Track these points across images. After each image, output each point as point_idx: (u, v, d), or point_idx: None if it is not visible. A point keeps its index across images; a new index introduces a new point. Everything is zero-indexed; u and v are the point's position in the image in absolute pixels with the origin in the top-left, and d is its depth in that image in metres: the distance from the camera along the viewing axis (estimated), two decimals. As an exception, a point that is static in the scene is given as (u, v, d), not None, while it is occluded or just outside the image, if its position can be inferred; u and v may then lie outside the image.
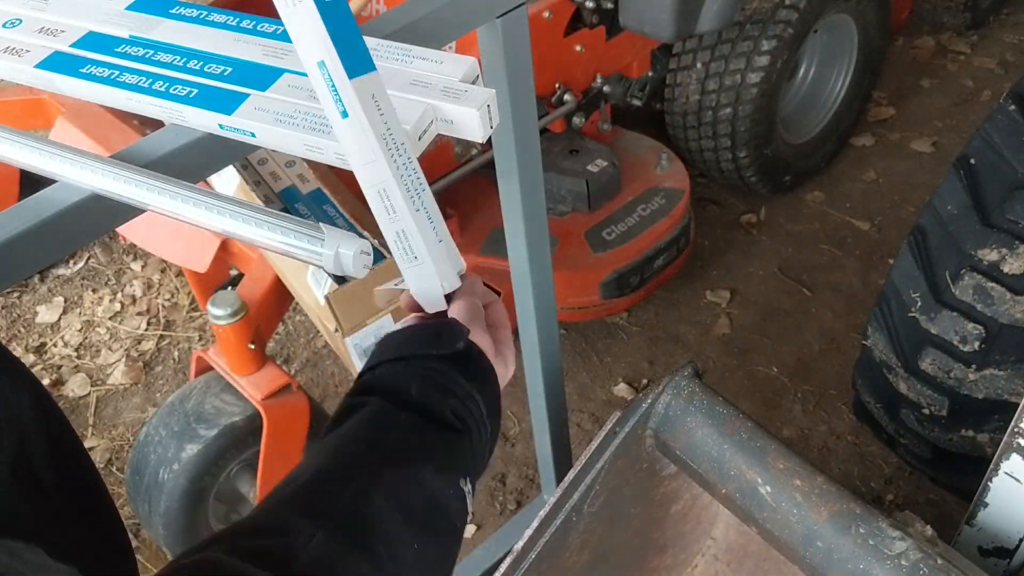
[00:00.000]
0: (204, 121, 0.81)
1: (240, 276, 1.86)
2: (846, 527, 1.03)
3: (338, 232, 0.71)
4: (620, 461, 1.18)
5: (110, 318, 2.48)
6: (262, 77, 0.81)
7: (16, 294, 2.57)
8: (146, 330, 2.45)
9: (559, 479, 1.42)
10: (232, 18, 0.88)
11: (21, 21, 0.91)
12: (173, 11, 0.90)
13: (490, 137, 1.23)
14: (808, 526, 1.05)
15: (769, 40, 2.24)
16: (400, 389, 0.67)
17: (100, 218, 0.81)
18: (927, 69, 3.15)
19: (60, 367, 2.37)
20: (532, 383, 1.49)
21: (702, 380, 1.19)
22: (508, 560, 1.13)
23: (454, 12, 1.00)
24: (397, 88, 0.79)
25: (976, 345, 1.43)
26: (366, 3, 2.05)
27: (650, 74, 2.38)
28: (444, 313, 0.75)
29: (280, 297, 1.76)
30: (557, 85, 2.14)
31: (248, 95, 0.80)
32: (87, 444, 2.18)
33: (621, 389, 2.21)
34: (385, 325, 1.66)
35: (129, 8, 0.91)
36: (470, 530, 1.97)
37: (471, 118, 0.77)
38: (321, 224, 0.72)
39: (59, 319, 2.50)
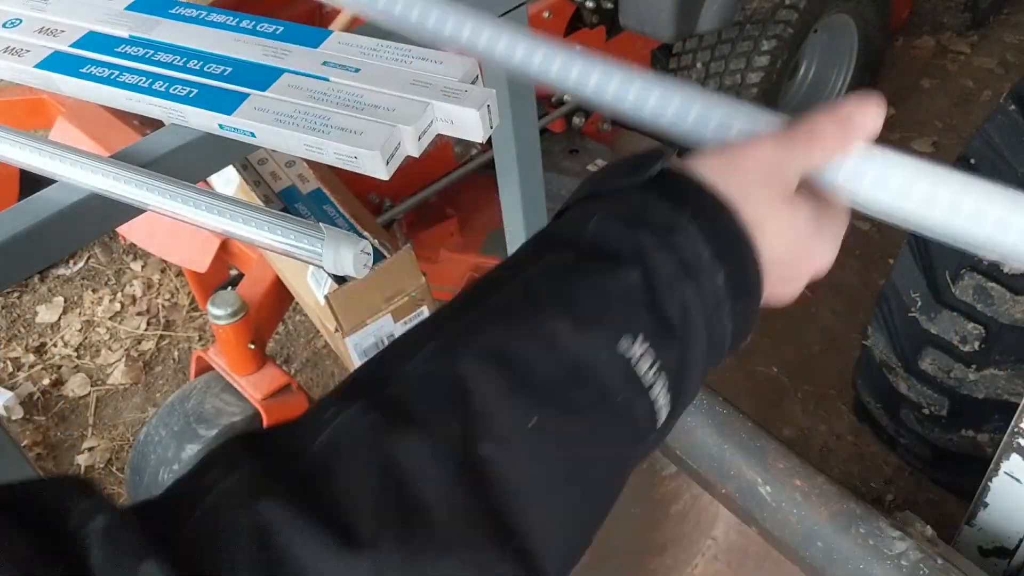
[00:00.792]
0: (204, 121, 0.81)
1: (240, 276, 1.86)
2: (846, 527, 1.03)
3: (338, 232, 0.71)
4: (620, 461, 1.18)
5: (110, 318, 2.48)
6: (262, 77, 0.81)
7: (16, 294, 2.57)
8: (146, 330, 2.45)
9: (559, 479, 1.42)
10: (232, 18, 0.88)
11: (21, 21, 0.91)
12: (173, 11, 0.90)
13: (490, 137, 1.23)
14: (808, 526, 1.05)
15: (769, 40, 2.24)
16: (572, 229, 0.47)
17: (100, 218, 0.81)
18: (927, 69, 3.15)
19: (60, 367, 2.37)
20: (532, 383, 1.49)
21: (702, 380, 1.19)
22: (508, 560, 1.13)
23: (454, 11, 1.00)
24: (397, 88, 0.79)
25: (976, 345, 1.44)
26: (366, 3, 2.05)
27: (650, 74, 2.38)
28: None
29: (280, 297, 1.77)
30: (557, 85, 2.15)
31: (248, 95, 0.80)
32: (87, 444, 2.18)
33: (621, 389, 2.21)
34: (385, 325, 1.66)
35: (129, 8, 0.91)
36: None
37: (471, 118, 0.77)
38: (321, 224, 0.72)
39: (59, 319, 2.50)
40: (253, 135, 0.79)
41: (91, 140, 1.67)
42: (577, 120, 2.21)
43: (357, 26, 0.92)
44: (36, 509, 0.36)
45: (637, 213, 0.46)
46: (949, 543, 1.28)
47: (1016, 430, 1.17)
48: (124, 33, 0.88)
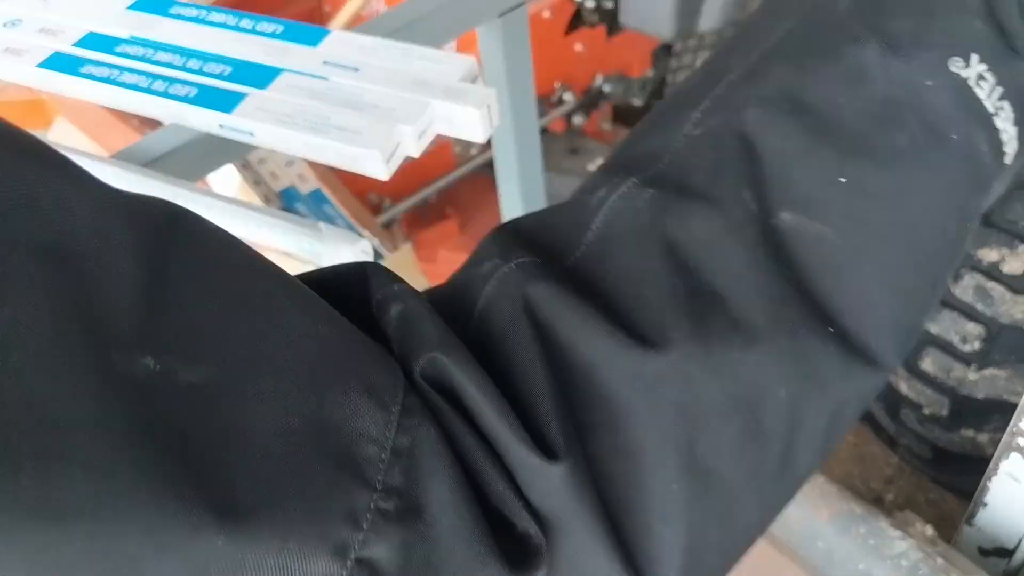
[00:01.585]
0: (204, 120, 0.81)
1: (240, 276, 1.86)
2: (846, 527, 1.03)
3: (337, 232, 0.71)
4: (620, 461, 1.18)
5: (110, 317, 2.48)
6: (262, 76, 0.81)
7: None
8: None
9: (559, 479, 1.42)
10: (232, 17, 0.89)
11: (21, 21, 0.91)
12: (173, 11, 0.90)
13: (490, 137, 1.23)
14: (808, 526, 1.05)
15: (769, 40, 2.24)
16: None
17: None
18: (927, 69, 3.15)
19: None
20: (532, 383, 1.49)
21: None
22: (508, 560, 1.13)
23: (454, 11, 1.00)
24: (397, 87, 0.79)
25: (976, 345, 1.44)
26: (366, 2, 2.05)
27: (651, 73, 2.38)
28: None
29: (280, 297, 1.76)
30: (557, 84, 2.14)
31: (247, 94, 0.80)
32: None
33: (621, 389, 2.20)
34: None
35: (130, 8, 0.91)
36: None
37: (471, 118, 0.77)
38: (320, 224, 0.72)
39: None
40: (252, 134, 0.79)
41: (91, 140, 1.68)
42: (578, 120, 2.21)
43: (357, 25, 0.93)
44: (344, 288, 0.33)
45: None
46: (949, 543, 1.28)
47: (1016, 430, 1.17)
48: (124, 33, 0.88)
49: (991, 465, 1.25)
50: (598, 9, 2.07)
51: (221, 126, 0.80)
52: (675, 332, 0.32)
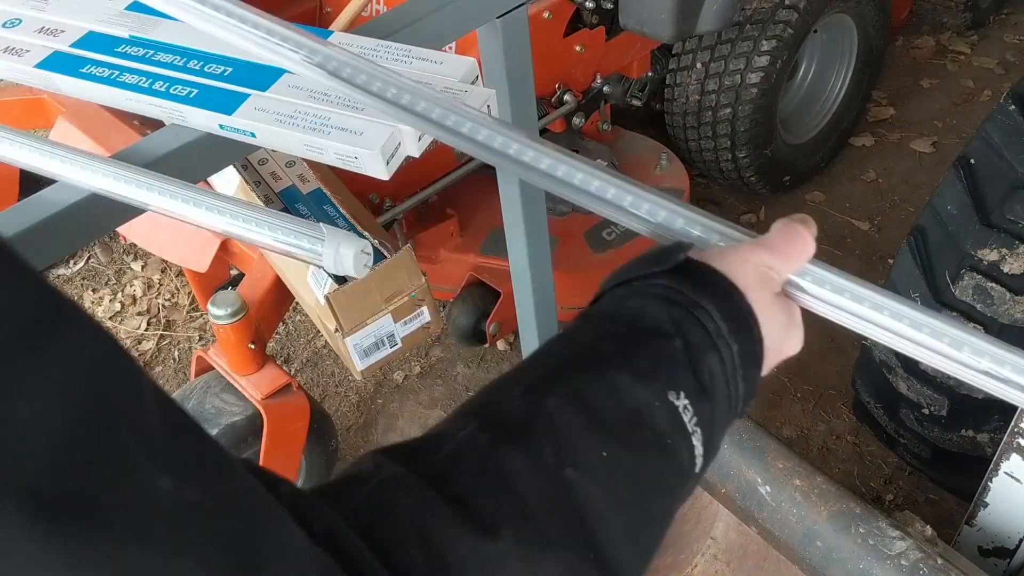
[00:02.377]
0: (204, 121, 0.81)
1: (240, 276, 1.86)
2: (846, 527, 1.03)
3: (338, 232, 0.72)
4: (620, 461, 1.18)
5: (110, 318, 2.48)
6: (262, 77, 0.81)
7: (16, 294, 2.57)
8: (146, 330, 2.45)
9: (559, 479, 1.42)
10: (232, 18, 0.88)
11: (21, 21, 0.91)
12: None
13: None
14: (808, 526, 1.05)
15: (769, 40, 2.24)
16: (615, 308, 0.58)
17: (100, 218, 0.82)
18: (927, 69, 3.15)
19: (60, 367, 2.37)
20: (532, 383, 1.49)
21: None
22: (508, 560, 1.13)
23: (454, 12, 1.00)
24: (397, 88, 0.79)
25: (976, 345, 1.43)
26: (366, 3, 2.05)
27: (650, 74, 2.38)
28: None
29: (280, 297, 1.77)
30: (557, 85, 2.14)
31: (248, 95, 0.80)
32: (87, 444, 2.19)
33: (621, 389, 2.21)
34: (385, 325, 1.66)
35: (129, 8, 0.91)
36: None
37: None
38: (321, 224, 0.72)
39: (59, 319, 2.50)
40: (253, 135, 0.79)
41: (91, 140, 1.68)
42: (577, 120, 2.21)
43: (358, 26, 0.93)
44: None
45: (668, 295, 0.57)
46: (949, 543, 1.28)
47: (1016, 430, 1.17)
48: (124, 33, 0.88)
49: (991, 465, 1.26)
50: (598, 10, 2.07)
51: (222, 127, 0.80)
52: (503, 528, 0.46)
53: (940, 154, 2.79)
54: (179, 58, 0.85)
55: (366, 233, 1.52)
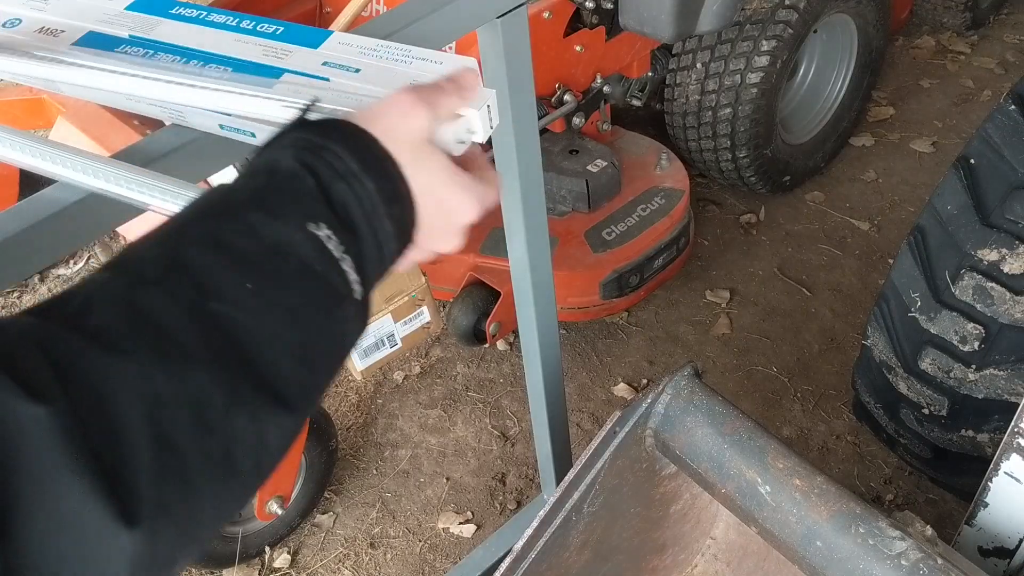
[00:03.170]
0: (204, 121, 0.81)
1: (240, 276, 1.86)
2: (846, 527, 1.03)
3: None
4: (620, 461, 1.18)
5: (110, 318, 2.49)
6: (262, 77, 0.81)
7: (16, 294, 2.57)
8: (146, 330, 2.45)
9: (559, 479, 1.42)
10: (232, 18, 0.89)
11: (21, 21, 0.91)
12: (173, 11, 0.90)
13: (490, 137, 1.23)
14: (808, 526, 1.05)
15: (769, 40, 2.24)
16: (248, 166, 0.62)
17: (100, 218, 0.81)
18: (927, 69, 3.15)
19: (60, 367, 2.37)
20: (532, 383, 1.49)
21: (702, 380, 1.19)
22: (508, 560, 1.14)
23: (454, 12, 1.00)
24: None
25: (976, 345, 1.44)
26: (366, 3, 2.05)
27: (650, 74, 2.38)
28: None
29: (280, 297, 1.76)
30: (557, 85, 2.15)
31: (248, 95, 0.80)
32: (87, 444, 2.19)
33: (621, 389, 2.21)
34: (385, 325, 1.66)
35: (129, 8, 0.91)
36: (470, 529, 1.97)
37: (471, 118, 0.77)
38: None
39: (59, 319, 2.50)
40: (253, 135, 0.79)
41: (91, 140, 1.68)
42: (577, 120, 2.21)
43: (358, 26, 0.93)
44: None
45: (297, 143, 0.60)
46: (949, 543, 1.28)
47: (1016, 430, 1.17)
48: (124, 33, 0.88)
49: (991, 465, 1.26)
50: (598, 10, 2.07)
51: (222, 127, 0.80)
52: (141, 350, 0.49)
53: (940, 154, 2.79)
54: (179, 59, 0.85)
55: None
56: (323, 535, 1.98)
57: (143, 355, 0.49)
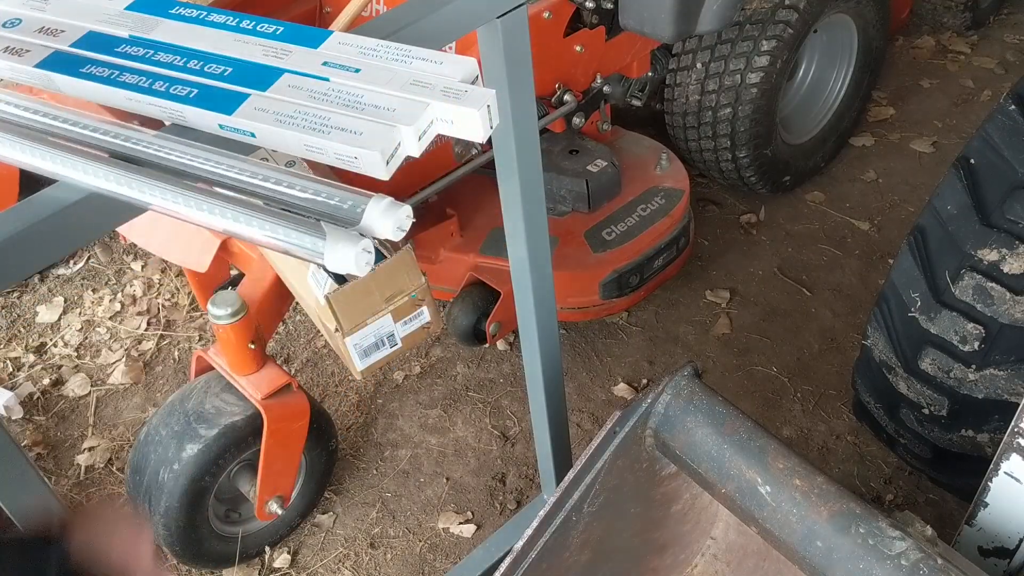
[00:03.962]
0: (204, 121, 0.81)
1: (240, 276, 1.86)
2: (846, 527, 1.03)
3: (339, 230, 0.71)
4: (620, 461, 1.18)
5: (110, 318, 2.48)
6: (262, 77, 0.81)
7: (16, 294, 2.57)
8: (146, 330, 2.45)
9: (559, 479, 1.42)
10: (232, 18, 0.89)
11: (21, 21, 0.91)
12: (173, 11, 0.90)
13: (490, 137, 1.23)
14: (808, 526, 1.05)
15: (769, 40, 2.24)
16: None
17: (100, 218, 0.82)
18: (927, 69, 3.15)
19: (60, 367, 2.37)
20: (532, 383, 1.49)
21: (702, 380, 1.19)
22: (508, 559, 1.14)
23: (454, 12, 1.00)
24: (397, 88, 0.79)
25: (976, 345, 1.44)
26: (366, 3, 2.05)
27: (650, 74, 2.38)
28: None
29: (280, 297, 1.77)
30: (557, 85, 2.14)
31: (248, 95, 0.80)
32: (87, 444, 2.19)
33: (621, 389, 2.21)
34: (385, 325, 1.65)
35: (129, 8, 0.91)
36: (470, 529, 1.97)
37: (471, 118, 0.77)
38: (322, 222, 0.72)
39: (59, 319, 2.50)
40: (253, 135, 0.79)
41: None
42: (577, 120, 2.21)
43: (358, 26, 0.92)
44: None
45: None
46: (949, 543, 1.28)
47: (1016, 430, 1.17)
48: (124, 33, 0.88)
49: (991, 465, 1.26)
50: (598, 10, 2.07)
51: (221, 127, 0.80)
52: None
53: (940, 154, 2.79)
54: (179, 58, 0.85)
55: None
56: (323, 535, 1.98)
57: None
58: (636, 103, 2.41)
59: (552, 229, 1.36)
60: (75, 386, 2.32)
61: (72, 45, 0.88)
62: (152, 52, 0.86)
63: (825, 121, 2.67)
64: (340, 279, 1.49)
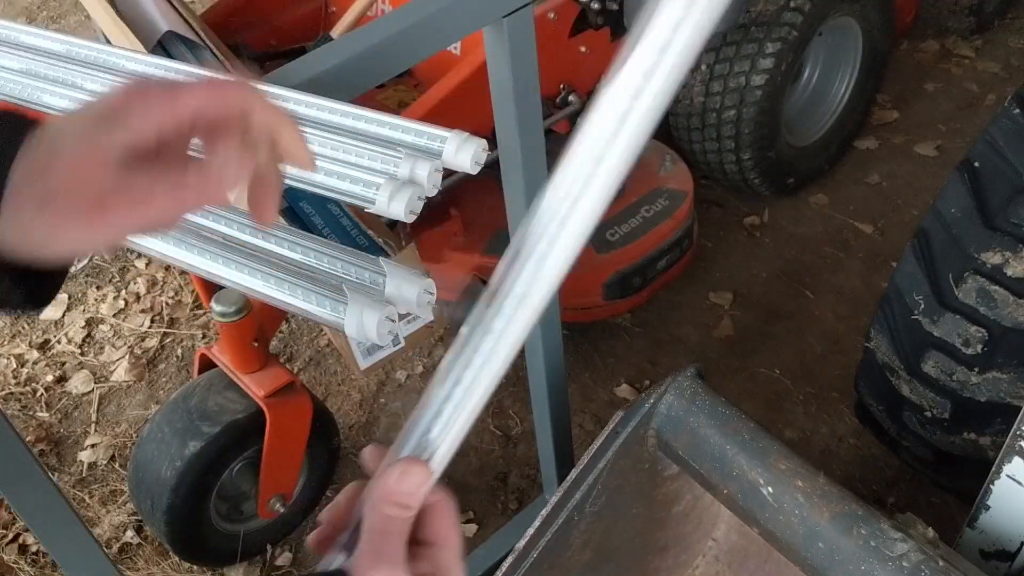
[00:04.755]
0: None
1: (244, 274, 1.86)
2: (848, 528, 1.03)
3: (362, 295, 0.67)
4: (622, 461, 1.18)
5: (114, 315, 2.49)
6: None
7: (20, 291, 2.58)
8: (150, 327, 2.45)
9: (561, 479, 1.42)
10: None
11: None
12: None
13: (495, 137, 1.23)
14: (810, 527, 1.06)
15: (773, 43, 2.24)
16: None
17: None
18: (931, 73, 3.15)
19: (64, 364, 2.38)
20: (535, 383, 1.50)
21: (704, 381, 1.19)
22: (510, 559, 1.14)
23: (460, 12, 1.00)
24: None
25: (979, 348, 1.44)
26: (371, 2, 2.05)
27: (654, 75, 2.38)
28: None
29: (284, 295, 1.76)
30: (562, 86, 2.15)
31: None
32: (90, 441, 2.19)
33: (623, 390, 2.21)
34: (388, 324, 1.65)
35: None
36: (471, 529, 1.97)
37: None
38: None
39: (63, 316, 2.50)
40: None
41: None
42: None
43: (363, 25, 0.93)
44: None
45: None
46: (951, 545, 1.28)
47: (1018, 433, 1.17)
48: None
49: (993, 468, 1.26)
50: (603, 11, 2.07)
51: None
52: None
53: (944, 157, 2.79)
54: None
55: (370, 232, 1.52)
56: (325, 534, 1.98)
57: None
58: (640, 104, 2.41)
59: (556, 229, 1.36)
60: (78, 383, 2.33)
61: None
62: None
63: (829, 124, 2.67)
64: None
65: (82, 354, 2.40)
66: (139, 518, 2.00)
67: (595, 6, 2.05)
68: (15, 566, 1.98)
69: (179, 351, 2.39)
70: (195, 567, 1.91)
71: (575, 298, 2.11)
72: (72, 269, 2.59)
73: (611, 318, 2.34)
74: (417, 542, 0.57)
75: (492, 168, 1.21)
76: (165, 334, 2.44)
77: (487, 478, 2.06)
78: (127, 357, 2.37)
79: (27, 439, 2.17)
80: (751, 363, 2.24)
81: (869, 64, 2.64)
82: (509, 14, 1.05)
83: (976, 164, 1.47)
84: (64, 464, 2.16)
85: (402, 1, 1.43)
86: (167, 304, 2.51)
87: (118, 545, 2.00)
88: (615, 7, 2.06)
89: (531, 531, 1.13)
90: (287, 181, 0.66)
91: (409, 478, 0.54)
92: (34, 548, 2.01)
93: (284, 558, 1.93)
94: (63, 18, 3.74)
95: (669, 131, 2.51)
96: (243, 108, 0.50)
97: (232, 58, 1.64)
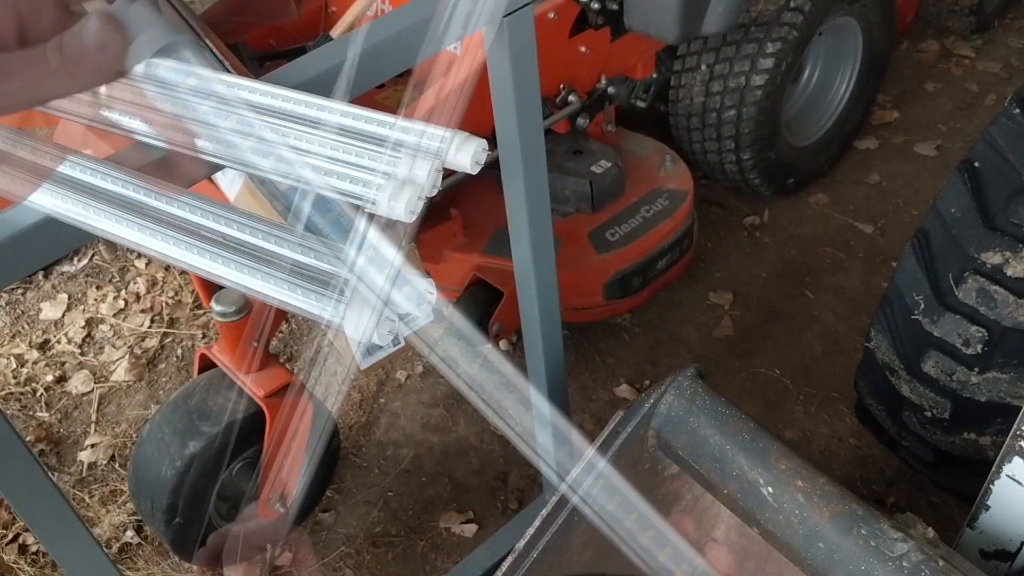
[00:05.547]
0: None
1: (244, 274, 1.86)
2: (848, 528, 1.03)
3: (362, 297, 0.67)
4: (622, 461, 1.18)
5: (114, 315, 2.49)
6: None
7: (20, 290, 2.58)
8: (150, 327, 2.45)
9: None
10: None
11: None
12: None
13: (495, 137, 1.23)
14: (810, 527, 1.06)
15: (773, 43, 2.24)
16: None
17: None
18: (931, 73, 3.15)
19: (64, 363, 2.38)
20: (535, 383, 1.50)
21: (704, 381, 1.19)
22: (510, 559, 1.14)
23: (459, 12, 1.00)
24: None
25: (979, 348, 1.44)
26: (371, 3, 2.05)
27: (654, 76, 2.38)
28: None
29: (284, 295, 1.76)
30: (562, 86, 2.15)
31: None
32: (90, 441, 2.19)
33: (623, 390, 2.21)
34: (388, 324, 1.65)
35: None
36: (471, 529, 1.97)
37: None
38: (344, 286, 0.68)
39: (63, 316, 2.50)
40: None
41: (95, 138, 1.68)
42: (581, 121, 2.21)
43: (363, 25, 0.93)
44: None
45: None
46: (951, 545, 1.28)
47: (1018, 433, 1.17)
48: None
49: (993, 468, 1.26)
50: (603, 11, 2.07)
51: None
52: None
53: (944, 157, 2.79)
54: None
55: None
56: (325, 533, 1.98)
57: None
58: (640, 104, 2.42)
59: (555, 230, 1.37)
60: (78, 383, 2.33)
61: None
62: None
63: (829, 124, 2.67)
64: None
65: (82, 354, 2.41)
66: (139, 518, 2.00)
67: (595, 6, 2.05)
68: (15, 566, 1.98)
69: (179, 351, 2.39)
70: (195, 566, 1.91)
71: (575, 298, 2.11)
72: (71, 269, 2.60)
73: (611, 318, 2.34)
74: None
75: (492, 168, 1.21)
76: (165, 334, 2.44)
77: (487, 478, 2.06)
78: (127, 357, 2.37)
79: (27, 439, 2.17)
80: (751, 363, 2.25)
81: (869, 64, 2.64)
82: (509, 14, 1.05)
83: (976, 164, 1.47)
84: (64, 464, 2.16)
85: (402, 1, 1.43)
86: (167, 304, 2.51)
87: (118, 545, 2.00)
88: (615, 7, 2.06)
89: (531, 531, 1.13)
90: (287, 181, 0.67)
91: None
92: (34, 548, 2.01)
93: (284, 558, 1.93)
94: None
95: (669, 131, 2.51)
96: None
97: (232, 58, 1.65)
